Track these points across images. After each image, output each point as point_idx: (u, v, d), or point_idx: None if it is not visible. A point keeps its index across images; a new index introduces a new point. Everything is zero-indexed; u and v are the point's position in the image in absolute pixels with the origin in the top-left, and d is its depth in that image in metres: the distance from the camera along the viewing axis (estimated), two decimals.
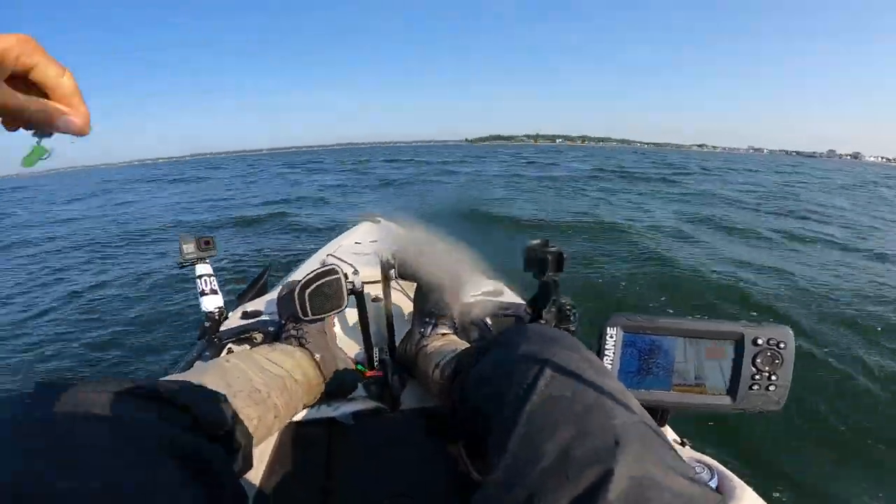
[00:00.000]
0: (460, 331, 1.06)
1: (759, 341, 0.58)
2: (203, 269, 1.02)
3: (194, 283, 1.03)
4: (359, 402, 0.88)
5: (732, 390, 0.59)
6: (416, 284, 1.11)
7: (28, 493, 0.33)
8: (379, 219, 2.46)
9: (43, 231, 7.34)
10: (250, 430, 0.63)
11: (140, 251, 5.34)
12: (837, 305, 3.09)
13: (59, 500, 0.33)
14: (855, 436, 1.80)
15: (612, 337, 0.59)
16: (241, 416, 0.62)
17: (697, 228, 5.72)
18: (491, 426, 0.47)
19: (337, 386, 0.91)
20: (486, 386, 0.51)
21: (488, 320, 1.17)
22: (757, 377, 0.58)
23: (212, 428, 0.55)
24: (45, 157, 0.31)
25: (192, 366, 0.93)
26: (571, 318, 0.88)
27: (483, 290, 1.39)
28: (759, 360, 0.58)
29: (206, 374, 0.66)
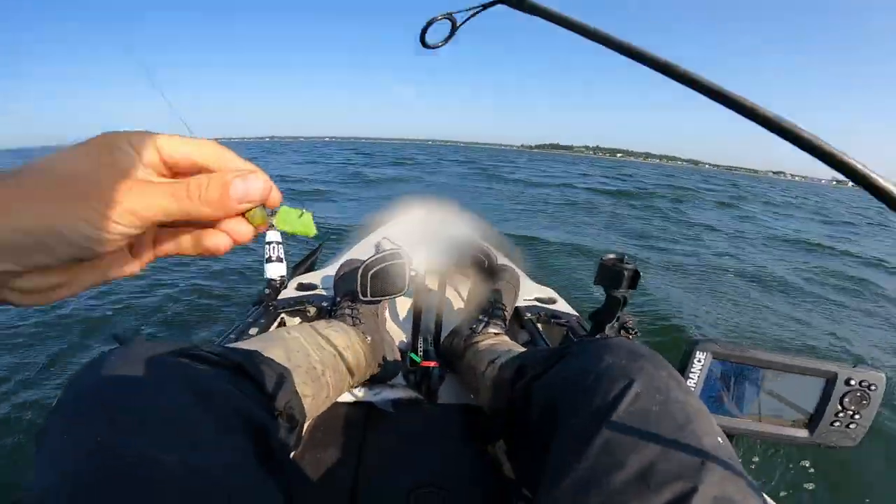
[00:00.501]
0: (510, 333, 1.04)
1: (852, 382, 0.60)
2: (273, 235, 1.05)
3: (262, 248, 1.05)
4: (399, 390, 0.89)
5: (812, 424, 0.61)
6: (471, 279, 1.10)
7: (115, 464, 0.33)
8: (430, 207, 2.45)
9: None
10: (305, 407, 0.64)
11: None
12: None
13: (147, 470, 0.34)
14: None
15: (699, 361, 0.59)
16: (300, 393, 0.63)
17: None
18: (565, 430, 0.46)
19: (382, 371, 0.91)
20: (567, 390, 0.50)
21: (540, 326, 1.15)
22: (840, 415, 0.60)
23: (275, 402, 0.56)
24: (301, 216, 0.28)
25: (247, 332, 0.96)
26: (631, 336, 0.84)
27: (535, 296, 1.36)
28: (846, 399, 0.60)
29: (269, 346, 0.67)
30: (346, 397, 0.84)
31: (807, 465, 1.74)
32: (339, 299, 1.02)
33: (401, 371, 0.97)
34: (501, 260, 1.39)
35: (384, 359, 0.92)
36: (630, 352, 0.49)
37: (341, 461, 0.70)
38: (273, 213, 0.27)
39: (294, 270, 1.57)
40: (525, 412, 0.58)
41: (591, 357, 0.51)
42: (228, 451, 0.40)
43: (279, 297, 1.12)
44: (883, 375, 0.61)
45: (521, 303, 1.25)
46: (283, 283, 1.06)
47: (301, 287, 1.26)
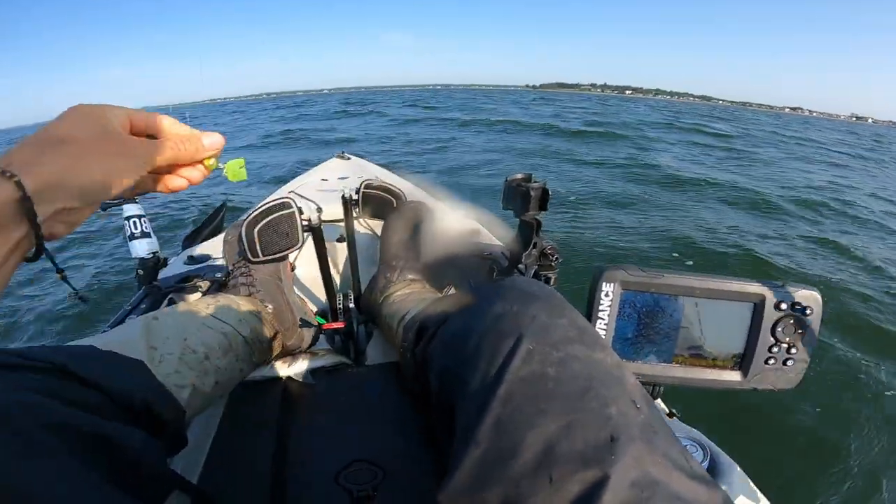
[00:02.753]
0: (430, 275, 0.96)
1: (783, 306, 0.49)
2: (131, 209, 0.88)
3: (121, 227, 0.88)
4: (318, 358, 0.80)
5: (744, 364, 0.51)
6: (382, 223, 1.00)
7: None
8: (349, 156, 2.30)
9: None
10: (182, 401, 0.53)
11: None
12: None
13: None
14: (870, 426, 1.64)
15: (607, 295, 0.48)
16: (170, 385, 0.53)
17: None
18: (458, 402, 0.39)
19: (294, 340, 0.81)
20: (455, 351, 0.42)
21: (462, 263, 1.08)
22: (774, 349, 0.49)
23: (123, 402, 0.45)
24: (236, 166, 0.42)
25: (123, 320, 0.82)
26: (553, 264, 0.80)
27: (456, 230, 1.29)
28: (779, 329, 0.49)
29: (123, 336, 0.55)
30: (257, 375, 0.74)
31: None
32: (230, 268, 0.89)
33: (322, 335, 0.88)
34: (417, 196, 1.29)
35: (294, 326, 0.82)
36: (522, 294, 0.41)
37: (259, 449, 0.61)
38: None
39: (188, 241, 1.39)
40: (427, 380, 0.51)
41: (479, 307, 0.43)
42: (34, 475, 0.30)
43: (163, 276, 0.97)
44: (818, 294, 0.50)
45: (441, 239, 1.17)
46: (159, 260, 0.91)
47: (191, 260, 1.10)
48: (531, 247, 0.75)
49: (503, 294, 0.43)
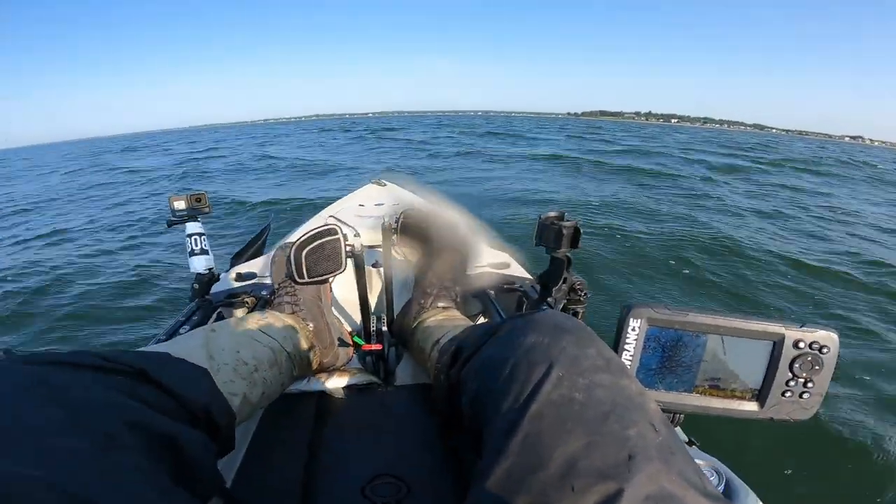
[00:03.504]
0: (461, 304, 1.00)
1: (801, 344, 0.52)
2: (193, 227, 0.96)
3: (184, 243, 0.97)
4: (350, 376, 0.84)
5: (762, 396, 0.54)
6: (419, 252, 1.05)
7: None
8: (385, 182, 2.38)
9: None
10: (234, 407, 0.58)
11: None
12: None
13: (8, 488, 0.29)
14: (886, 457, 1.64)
15: (633, 330, 0.52)
16: (225, 393, 0.57)
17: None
18: (489, 422, 0.42)
19: (331, 358, 0.86)
20: (489, 377, 0.46)
21: (492, 294, 1.11)
22: (791, 383, 0.53)
23: (190, 406, 0.50)
24: None
25: (176, 332, 0.89)
26: (582, 299, 0.82)
27: (488, 262, 1.33)
28: (797, 365, 0.52)
29: (187, 345, 0.61)
30: (294, 389, 0.79)
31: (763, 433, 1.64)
32: (276, 287, 0.96)
33: (355, 355, 0.92)
34: (452, 228, 1.34)
35: (331, 344, 0.87)
36: (554, 328, 0.45)
37: (290, 458, 0.65)
38: None
39: (236, 258, 1.48)
40: (460, 401, 0.55)
41: (513, 337, 0.47)
42: (111, 470, 0.34)
43: (214, 291, 1.05)
44: (835, 335, 0.53)
45: (473, 270, 1.21)
46: (214, 276, 0.98)
47: (239, 277, 1.18)
48: (561, 282, 0.78)
49: (535, 326, 0.46)
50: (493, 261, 1.34)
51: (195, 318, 0.95)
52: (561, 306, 0.80)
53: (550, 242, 0.73)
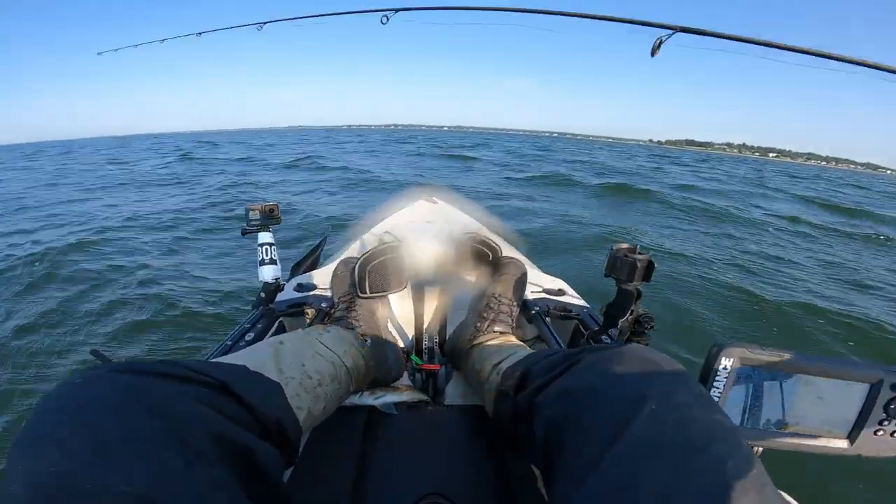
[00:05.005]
0: (516, 327, 0.99)
1: None
2: (265, 237, 1.01)
3: (255, 251, 1.01)
4: (403, 393, 0.84)
5: (853, 434, 0.55)
6: (475, 273, 1.05)
7: (62, 494, 0.31)
8: (436, 200, 2.41)
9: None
10: (300, 420, 0.59)
11: None
12: None
13: (92, 499, 0.31)
14: None
15: (724, 368, 0.52)
16: (293, 407, 0.59)
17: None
18: (570, 453, 0.42)
19: (383, 374, 0.87)
20: (570, 406, 0.45)
21: (548, 320, 1.09)
22: (885, 423, 0.54)
23: (264, 419, 0.51)
24: None
25: (243, 338, 0.92)
26: (647, 331, 0.79)
27: (544, 288, 1.31)
28: (892, 406, 0.53)
29: (259, 358, 0.63)
30: (346, 403, 0.80)
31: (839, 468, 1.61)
32: (336, 300, 0.98)
33: (406, 372, 0.93)
34: (507, 251, 1.34)
35: (386, 361, 0.88)
36: (644, 362, 0.44)
37: (341, 472, 0.65)
38: None
39: (295, 269, 1.53)
40: (529, 426, 0.54)
41: (600, 369, 0.46)
42: (199, 482, 0.36)
43: (277, 300, 1.09)
44: None
45: (528, 295, 1.19)
46: (279, 286, 1.02)
47: (300, 288, 1.22)
48: (629, 313, 0.76)
49: (624, 359, 0.45)
50: (549, 286, 1.32)
51: (259, 325, 0.99)
52: (625, 337, 0.78)
53: (623, 274, 0.71)
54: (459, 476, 0.65)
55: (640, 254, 0.70)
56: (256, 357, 0.63)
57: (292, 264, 1.56)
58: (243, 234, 1.01)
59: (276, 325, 1.05)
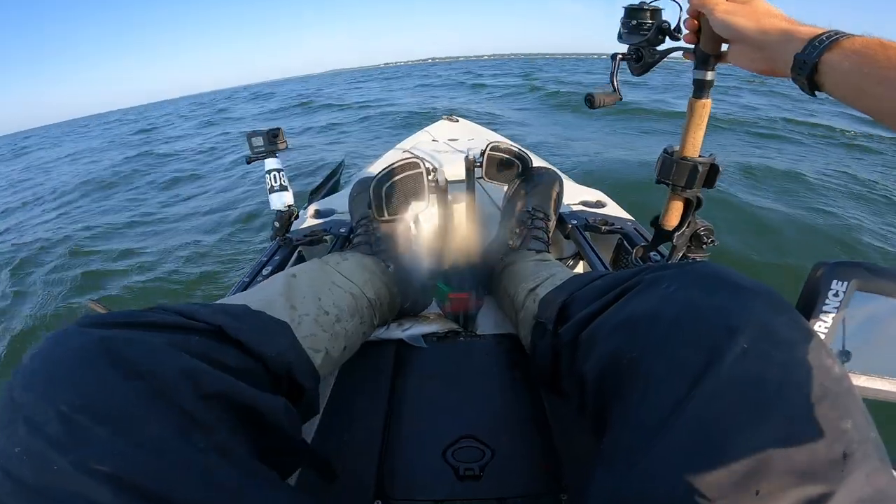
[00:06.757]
0: (552, 244, 0.90)
1: None
2: (272, 163, 0.93)
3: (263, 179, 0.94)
4: (431, 323, 0.79)
5: None
6: (505, 187, 0.95)
7: (32, 476, 0.27)
8: (457, 118, 2.27)
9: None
10: (316, 366, 0.54)
11: None
12: None
13: (63, 478, 0.27)
14: None
15: (836, 295, 0.40)
16: (307, 349, 0.53)
17: None
18: (637, 396, 0.34)
19: (410, 303, 0.82)
20: (632, 338, 0.37)
21: (588, 235, 0.99)
22: None
23: (271, 365, 0.46)
24: None
25: (258, 273, 0.88)
26: (705, 248, 0.69)
27: (581, 200, 1.19)
28: None
29: (267, 294, 0.57)
30: (372, 337, 0.75)
31: None
32: (354, 224, 0.91)
33: (434, 300, 0.88)
34: (539, 162, 1.21)
35: (412, 287, 0.82)
36: (733, 286, 0.35)
37: (371, 415, 0.62)
38: None
39: (314, 194, 1.47)
40: (573, 363, 0.46)
41: (669, 293, 0.37)
42: (193, 450, 0.31)
43: (294, 229, 1.03)
44: None
45: (564, 209, 1.09)
46: (293, 213, 0.96)
47: (318, 214, 1.16)
48: (685, 226, 0.65)
49: (705, 281, 0.36)
50: (587, 198, 1.20)
51: (276, 257, 0.94)
52: (680, 255, 0.68)
53: (681, 180, 0.59)
54: (494, 416, 0.61)
55: (701, 156, 0.58)
56: (264, 294, 0.57)
57: (310, 190, 1.49)
58: (248, 162, 0.93)
59: (294, 255, 1.00)
